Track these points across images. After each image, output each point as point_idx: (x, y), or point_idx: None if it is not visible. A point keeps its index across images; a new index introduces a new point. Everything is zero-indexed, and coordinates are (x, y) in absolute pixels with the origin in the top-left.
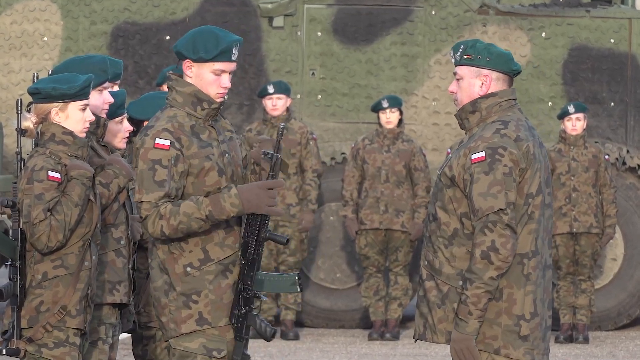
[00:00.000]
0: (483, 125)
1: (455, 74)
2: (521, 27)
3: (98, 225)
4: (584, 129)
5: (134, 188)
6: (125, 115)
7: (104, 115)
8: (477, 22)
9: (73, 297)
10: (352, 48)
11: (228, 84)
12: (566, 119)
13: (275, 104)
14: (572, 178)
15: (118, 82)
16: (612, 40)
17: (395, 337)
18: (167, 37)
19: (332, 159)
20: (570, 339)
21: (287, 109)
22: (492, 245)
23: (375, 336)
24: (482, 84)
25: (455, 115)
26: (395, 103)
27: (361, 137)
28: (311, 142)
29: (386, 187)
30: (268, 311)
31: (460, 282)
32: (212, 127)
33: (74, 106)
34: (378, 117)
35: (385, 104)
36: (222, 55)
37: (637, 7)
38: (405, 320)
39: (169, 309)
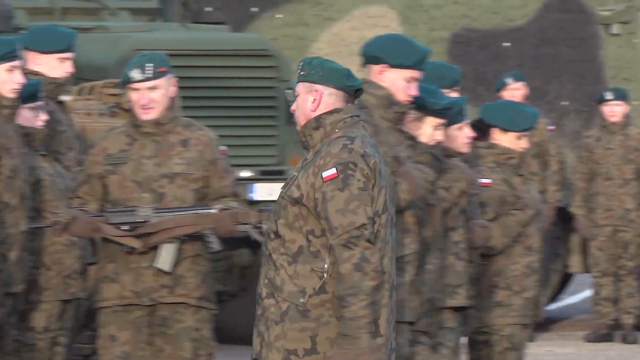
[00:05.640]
0: (328, 142)
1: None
2: None
3: (439, 229)
4: (626, 115)
5: (476, 193)
6: (467, 120)
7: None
8: None
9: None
10: None
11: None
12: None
13: (613, 110)
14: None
15: (458, 88)
16: None
17: None
18: (506, 44)
19: None
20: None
21: (625, 116)
22: (362, 256)
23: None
24: (313, 99)
25: (297, 132)
26: None
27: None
28: None
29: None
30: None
31: (302, 300)
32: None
33: None
34: None
35: None
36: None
37: None
38: None
39: None
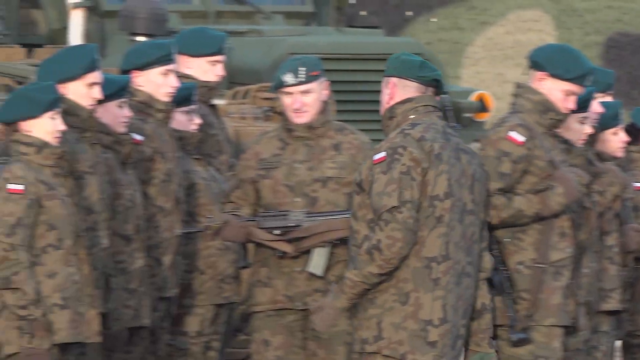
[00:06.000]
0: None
1: None
2: None
3: (595, 233)
4: None
5: (629, 197)
6: (622, 125)
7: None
8: None
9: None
10: None
11: None
12: None
13: None
14: None
15: (612, 92)
16: None
17: None
18: None
19: None
20: None
21: None
22: (377, 244)
23: None
24: (389, 91)
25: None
26: None
27: None
28: None
29: None
30: None
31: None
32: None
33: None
34: None
35: None
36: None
37: None
38: None
39: None
